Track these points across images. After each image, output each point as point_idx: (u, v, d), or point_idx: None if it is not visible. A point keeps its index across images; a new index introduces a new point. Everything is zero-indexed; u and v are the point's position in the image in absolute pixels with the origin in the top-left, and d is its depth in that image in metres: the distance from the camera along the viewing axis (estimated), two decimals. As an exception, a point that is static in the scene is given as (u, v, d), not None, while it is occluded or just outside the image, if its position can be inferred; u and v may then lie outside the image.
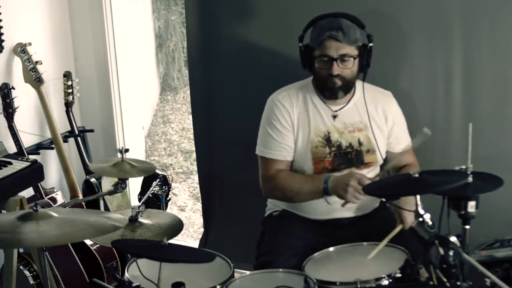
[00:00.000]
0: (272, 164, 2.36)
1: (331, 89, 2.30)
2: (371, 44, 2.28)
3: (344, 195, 2.13)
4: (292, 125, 2.34)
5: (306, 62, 2.33)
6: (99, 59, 3.36)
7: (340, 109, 2.36)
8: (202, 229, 3.32)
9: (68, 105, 3.17)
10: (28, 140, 3.00)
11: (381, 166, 2.45)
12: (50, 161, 3.24)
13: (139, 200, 3.09)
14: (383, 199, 2.36)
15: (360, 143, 2.35)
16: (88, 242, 2.84)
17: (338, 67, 2.24)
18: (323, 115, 2.35)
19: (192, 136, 3.46)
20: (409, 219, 2.23)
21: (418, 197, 1.76)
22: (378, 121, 2.38)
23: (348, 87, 2.31)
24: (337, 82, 2.27)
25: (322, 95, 2.35)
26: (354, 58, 2.26)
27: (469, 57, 2.56)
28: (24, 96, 2.96)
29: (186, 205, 4.74)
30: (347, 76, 2.27)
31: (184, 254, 1.84)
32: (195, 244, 3.53)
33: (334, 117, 2.35)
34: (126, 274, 1.95)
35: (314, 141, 2.33)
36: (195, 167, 3.80)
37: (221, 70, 2.98)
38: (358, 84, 2.37)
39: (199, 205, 4.42)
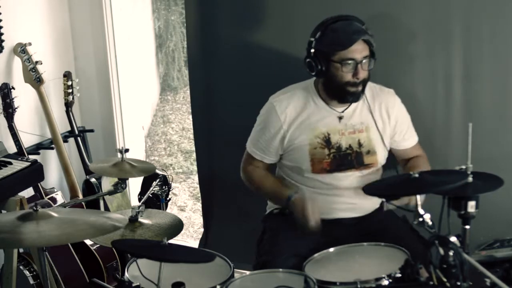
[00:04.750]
0: (253, 161, 2.47)
1: (353, 94, 2.26)
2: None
3: (296, 215, 2.27)
4: (283, 131, 2.35)
5: (320, 67, 2.26)
6: (99, 59, 3.36)
7: (344, 110, 2.35)
8: (202, 229, 3.32)
9: (68, 105, 3.16)
10: (28, 140, 3.00)
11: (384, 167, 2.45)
12: (50, 161, 3.24)
13: (139, 200, 3.09)
14: (383, 199, 2.36)
15: (360, 144, 2.34)
16: (88, 242, 2.84)
17: (362, 69, 2.23)
18: (324, 117, 2.34)
19: (192, 136, 3.46)
20: None
21: (418, 197, 1.75)
22: (382, 121, 2.37)
23: (364, 88, 2.30)
24: (359, 86, 2.25)
25: (339, 99, 2.32)
26: (370, 60, 2.26)
27: (469, 57, 2.56)
28: (24, 96, 2.96)
29: (186, 205, 4.74)
30: (366, 78, 2.27)
31: (184, 254, 1.84)
32: (195, 244, 3.53)
33: (340, 118, 2.34)
34: (126, 274, 1.95)
35: (313, 142, 2.32)
36: (195, 167, 3.80)
37: (221, 70, 2.98)
38: None
39: (199, 205, 4.42)
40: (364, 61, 2.22)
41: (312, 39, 2.27)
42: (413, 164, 2.43)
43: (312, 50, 2.26)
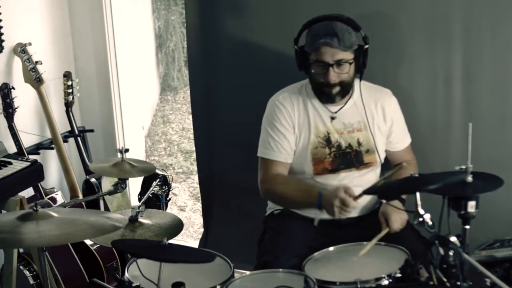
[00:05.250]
0: (272, 166, 2.36)
1: (328, 95, 2.29)
2: (367, 46, 2.27)
3: (330, 211, 2.14)
4: (293, 125, 2.34)
5: (302, 65, 2.31)
6: (99, 59, 3.36)
7: (339, 110, 2.36)
8: (202, 229, 3.32)
9: (68, 105, 3.17)
10: (28, 140, 3.00)
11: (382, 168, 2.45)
12: (50, 161, 3.24)
13: (139, 200, 3.09)
14: (383, 200, 2.36)
15: (359, 143, 2.35)
16: (88, 242, 2.84)
17: (335, 72, 2.23)
18: (322, 116, 2.35)
19: (192, 136, 3.46)
20: (396, 225, 2.23)
21: (418, 197, 1.75)
22: (377, 120, 2.38)
23: (345, 90, 2.31)
24: (335, 88, 2.27)
25: (318, 98, 2.35)
26: (350, 63, 2.25)
27: (469, 56, 2.56)
28: (24, 96, 2.96)
29: (186, 205, 4.74)
30: (345, 80, 2.27)
31: (184, 254, 1.84)
32: (195, 244, 3.53)
33: (332, 118, 2.35)
34: (126, 274, 1.95)
35: (314, 142, 2.33)
36: (195, 167, 3.80)
37: (221, 70, 2.98)
38: (356, 83, 2.37)
39: (199, 205, 4.42)
40: (339, 64, 2.22)
41: (296, 37, 2.31)
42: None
43: (295, 48, 2.31)
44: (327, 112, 2.35)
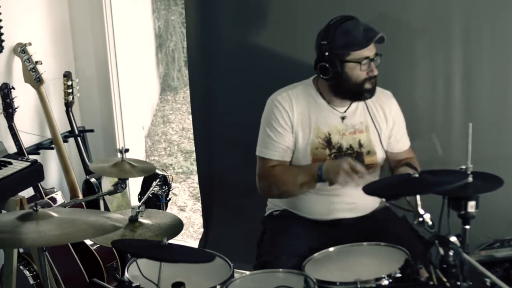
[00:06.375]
0: (268, 164, 2.36)
1: (370, 90, 2.28)
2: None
3: (334, 177, 2.15)
4: (291, 125, 2.33)
5: (336, 69, 2.24)
6: (99, 59, 3.36)
7: (345, 110, 2.35)
8: (202, 229, 3.32)
9: (68, 105, 3.17)
10: (28, 140, 3.00)
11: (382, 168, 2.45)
12: (50, 161, 3.24)
13: (139, 200, 3.10)
14: (383, 199, 2.36)
15: (360, 145, 2.35)
16: (88, 242, 2.84)
17: (375, 66, 2.25)
18: (325, 117, 2.34)
19: (192, 136, 3.46)
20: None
21: (418, 197, 1.75)
22: (380, 122, 2.38)
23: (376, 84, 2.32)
24: (373, 82, 2.27)
25: (353, 98, 2.32)
26: (381, 56, 2.28)
27: (469, 57, 2.56)
28: (24, 96, 2.96)
29: (186, 205, 4.74)
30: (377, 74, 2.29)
31: (184, 254, 1.84)
32: (195, 244, 3.53)
33: (343, 118, 2.34)
34: (126, 274, 1.95)
35: (314, 142, 2.32)
36: (195, 167, 3.80)
37: (221, 70, 2.98)
38: None
39: (199, 205, 4.42)
40: (375, 58, 2.25)
41: (325, 42, 2.24)
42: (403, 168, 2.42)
43: (326, 54, 2.24)
44: (334, 112, 2.34)
